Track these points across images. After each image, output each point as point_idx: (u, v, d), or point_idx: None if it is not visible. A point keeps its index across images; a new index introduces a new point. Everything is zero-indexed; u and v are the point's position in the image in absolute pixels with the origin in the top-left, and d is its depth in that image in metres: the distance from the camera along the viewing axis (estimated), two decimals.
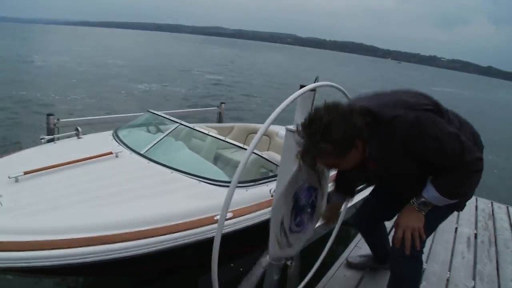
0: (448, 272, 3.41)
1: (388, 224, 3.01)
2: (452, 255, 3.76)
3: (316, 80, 2.14)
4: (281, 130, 5.41)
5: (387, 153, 1.90)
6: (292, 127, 2.12)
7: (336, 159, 1.84)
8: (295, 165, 2.08)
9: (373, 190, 2.82)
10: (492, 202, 5.52)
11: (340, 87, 2.24)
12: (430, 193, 1.97)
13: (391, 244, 2.27)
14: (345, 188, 2.66)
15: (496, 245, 4.17)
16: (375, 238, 3.04)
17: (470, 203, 5.30)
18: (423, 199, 2.01)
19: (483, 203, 5.43)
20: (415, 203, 2.04)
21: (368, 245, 3.15)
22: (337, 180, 2.67)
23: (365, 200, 2.94)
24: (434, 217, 2.19)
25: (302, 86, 2.00)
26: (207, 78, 25.82)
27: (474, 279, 3.38)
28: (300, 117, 2.15)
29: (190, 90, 19.54)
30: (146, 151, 3.91)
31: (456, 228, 4.38)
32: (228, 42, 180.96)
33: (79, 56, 31.49)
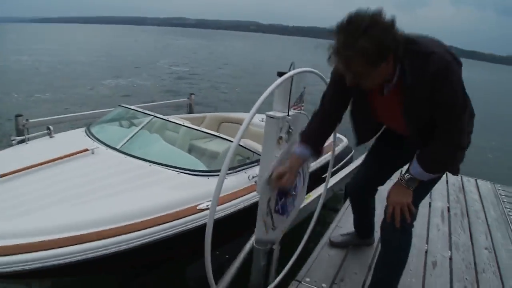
0: (426, 244, 3.53)
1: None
2: (428, 228, 3.88)
3: (291, 67, 2.18)
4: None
5: (415, 84, 1.86)
6: (272, 113, 2.16)
7: (366, 68, 1.75)
8: (277, 150, 2.12)
9: (366, 156, 2.87)
10: (461, 176, 5.71)
11: (318, 72, 2.29)
12: (415, 169, 2.06)
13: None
14: (315, 141, 2.34)
15: (468, 216, 4.34)
16: (364, 208, 3.08)
17: (442, 179, 5.46)
18: (410, 176, 2.09)
19: (453, 178, 5.60)
20: (403, 180, 2.12)
21: (356, 215, 3.20)
22: (310, 128, 2.38)
23: (359, 165, 3.01)
24: (423, 187, 2.26)
25: (280, 74, 2.03)
26: (172, 70, 25.61)
27: (450, 249, 3.52)
28: (279, 103, 2.20)
29: (156, 83, 19.36)
30: (122, 145, 3.88)
31: (430, 203, 4.52)
32: (192, 32, 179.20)
33: (40, 54, 30.71)
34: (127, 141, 3.95)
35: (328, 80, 2.26)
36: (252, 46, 76.30)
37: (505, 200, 5.03)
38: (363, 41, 1.63)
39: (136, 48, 46.49)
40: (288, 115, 2.17)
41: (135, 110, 4.67)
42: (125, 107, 4.81)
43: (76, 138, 4.19)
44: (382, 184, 2.78)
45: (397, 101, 1.98)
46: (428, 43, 1.86)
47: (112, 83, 18.59)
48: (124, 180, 3.29)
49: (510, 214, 4.56)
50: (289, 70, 2.13)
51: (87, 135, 4.22)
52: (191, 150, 4.40)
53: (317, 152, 2.36)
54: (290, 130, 2.21)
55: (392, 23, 1.70)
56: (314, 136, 2.33)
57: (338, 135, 6.22)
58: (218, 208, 3.22)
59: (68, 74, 20.65)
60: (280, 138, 2.12)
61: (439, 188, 5.06)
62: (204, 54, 41.66)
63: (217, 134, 4.12)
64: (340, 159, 5.73)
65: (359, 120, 2.29)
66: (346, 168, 5.21)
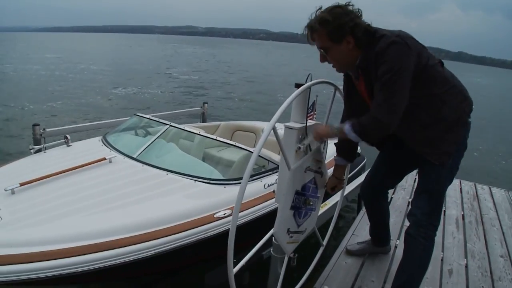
0: (442, 253, 3.54)
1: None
2: (443, 236, 3.89)
3: (308, 77, 2.21)
4: (265, 126, 5.47)
5: (366, 66, 2.14)
6: (290, 124, 2.19)
7: (328, 42, 2.14)
8: (296, 160, 2.16)
9: (376, 159, 2.97)
10: (475, 184, 5.70)
11: (334, 83, 2.32)
12: (347, 123, 2.15)
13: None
14: (345, 152, 2.75)
15: (483, 224, 4.33)
16: (378, 212, 3.13)
17: (455, 186, 5.47)
18: (340, 125, 2.25)
19: (467, 186, 5.61)
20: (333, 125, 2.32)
21: (371, 222, 3.24)
22: (339, 145, 2.75)
23: (368, 172, 3.08)
24: (437, 192, 2.43)
25: (298, 85, 2.07)
26: (182, 78, 25.71)
27: (466, 257, 3.52)
28: (297, 114, 2.23)
29: (167, 92, 19.48)
30: (139, 154, 3.93)
31: (444, 211, 4.52)
32: (201, 40, 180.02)
33: (51, 63, 31.01)
34: (144, 149, 4.01)
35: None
36: (261, 54, 76.41)
37: None
38: (325, 14, 2.08)
39: (145, 56, 46.77)
40: (306, 125, 2.20)
41: (151, 119, 4.72)
42: (140, 116, 4.87)
43: (93, 147, 4.27)
44: (392, 186, 2.87)
45: (364, 84, 2.23)
46: (385, 31, 2.10)
47: (122, 91, 18.74)
48: (142, 189, 3.34)
49: None
50: (306, 81, 2.17)
51: (104, 144, 4.29)
52: (205, 158, 4.44)
53: (351, 158, 2.77)
54: (307, 139, 2.24)
55: (356, 11, 2.11)
56: (342, 147, 2.72)
57: None
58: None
59: (79, 83, 20.84)
60: (299, 148, 2.15)
61: (453, 196, 5.07)
62: (214, 62, 41.79)
63: (232, 143, 4.16)
64: (353, 167, 5.75)
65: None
66: (359, 177, 5.23)
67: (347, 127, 2.12)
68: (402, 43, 2.00)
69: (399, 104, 2.00)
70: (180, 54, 54.53)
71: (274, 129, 1.77)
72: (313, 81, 2.13)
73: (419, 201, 2.46)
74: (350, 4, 2.11)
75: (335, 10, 2.08)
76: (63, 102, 14.87)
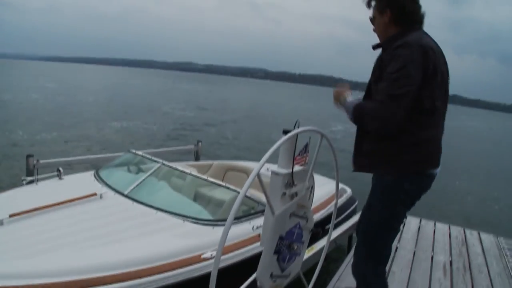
0: None
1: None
2: (430, 283, 3.89)
3: (296, 124, 2.27)
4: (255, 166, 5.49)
5: (384, 56, 2.37)
6: (276, 169, 2.24)
7: (375, 11, 2.47)
8: (281, 205, 2.19)
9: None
10: (464, 229, 5.73)
11: (322, 131, 2.38)
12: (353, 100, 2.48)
13: None
14: None
15: (470, 270, 4.35)
16: None
17: (443, 231, 5.51)
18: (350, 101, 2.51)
19: (456, 230, 5.64)
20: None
21: None
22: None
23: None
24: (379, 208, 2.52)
25: (285, 131, 2.12)
26: (178, 114, 25.92)
27: None
28: (283, 160, 2.28)
29: (163, 128, 19.60)
30: (130, 191, 3.97)
31: (432, 257, 4.54)
32: (199, 77, 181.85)
33: (50, 93, 31.25)
34: (135, 187, 4.04)
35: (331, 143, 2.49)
36: (259, 93, 77.08)
37: (508, 253, 5.02)
38: None
39: (143, 90, 47.13)
40: (292, 171, 2.24)
41: (144, 157, 4.76)
42: (134, 152, 4.92)
43: (85, 181, 4.31)
44: None
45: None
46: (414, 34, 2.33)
47: (118, 125, 18.84)
48: (131, 226, 3.37)
49: None
50: (294, 128, 2.22)
51: (96, 179, 4.33)
52: (196, 197, 4.46)
53: None
54: (293, 185, 2.28)
55: None
56: None
57: (342, 185, 6.29)
58: (222, 257, 3.26)
59: (76, 114, 21.00)
60: (284, 194, 2.20)
61: (441, 241, 5.10)
62: (211, 100, 42.09)
63: (222, 184, 4.21)
64: (344, 210, 5.77)
65: None
66: (350, 219, 5.26)
67: (349, 103, 2.44)
68: (417, 48, 2.24)
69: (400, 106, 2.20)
70: (177, 90, 55.01)
71: (258, 176, 1.82)
72: (300, 129, 2.18)
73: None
74: None
75: None
76: (58, 133, 14.94)
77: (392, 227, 2.57)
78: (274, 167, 2.25)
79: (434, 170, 2.44)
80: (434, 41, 2.40)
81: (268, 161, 1.82)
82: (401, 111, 2.18)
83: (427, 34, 2.42)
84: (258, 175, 1.81)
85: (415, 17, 2.42)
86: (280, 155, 2.29)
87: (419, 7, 2.43)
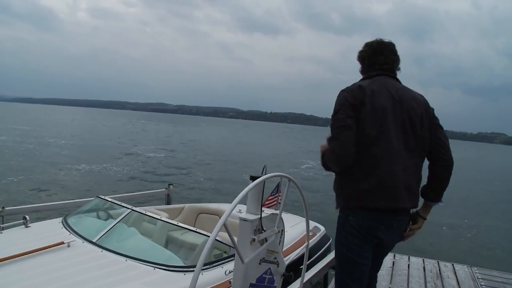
0: None
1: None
2: None
3: (264, 169, 2.29)
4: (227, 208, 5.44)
5: None
6: (244, 215, 2.24)
7: None
8: (250, 251, 2.18)
9: None
10: (438, 262, 5.76)
11: (289, 176, 2.40)
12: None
13: None
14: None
15: None
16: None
17: (418, 265, 5.55)
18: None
19: (430, 264, 5.68)
20: None
21: None
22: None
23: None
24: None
25: (252, 178, 2.14)
26: (149, 156, 25.79)
27: None
28: (252, 206, 2.29)
29: (133, 170, 19.43)
30: (99, 239, 3.87)
31: None
32: (172, 117, 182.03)
33: (19, 135, 30.79)
34: (103, 234, 3.95)
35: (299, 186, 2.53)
36: (231, 133, 77.39)
37: (482, 283, 5.08)
38: None
39: (114, 132, 46.83)
40: (260, 216, 2.24)
41: (113, 202, 4.69)
42: (103, 198, 4.84)
43: (52, 229, 4.18)
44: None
45: None
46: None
47: (87, 168, 18.60)
48: (100, 276, 3.27)
49: None
50: (262, 174, 2.24)
51: (64, 226, 4.22)
52: (168, 241, 4.39)
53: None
54: (263, 231, 2.27)
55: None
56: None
57: (315, 224, 6.30)
58: None
59: (45, 157, 20.69)
60: (253, 240, 2.19)
61: (416, 276, 5.13)
62: (182, 140, 42.01)
63: (193, 229, 4.14)
64: (318, 248, 5.75)
65: None
66: (325, 258, 5.24)
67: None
68: (344, 91, 2.70)
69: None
70: (148, 131, 54.84)
71: (225, 225, 1.81)
72: (267, 175, 2.19)
73: None
74: None
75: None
76: (25, 177, 14.64)
77: (355, 261, 2.63)
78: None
79: (390, 205, 2.53)
80: (391, 83, 2.70)
81: (242, 201, 1.82)
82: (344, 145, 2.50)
83: (389, 79, 2.71)
84: (225, 224, 1.80)
85: (376, 67, 2.76)
86: (248, 201, 2.29)
87: (384, 58, 2.73)
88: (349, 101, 2.54)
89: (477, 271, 5.54)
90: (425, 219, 2.78)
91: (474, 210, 16.35)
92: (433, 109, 2.79)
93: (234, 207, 1.82)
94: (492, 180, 26.66)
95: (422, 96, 2.77)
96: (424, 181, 2.74)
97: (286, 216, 6.07)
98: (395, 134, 2.54)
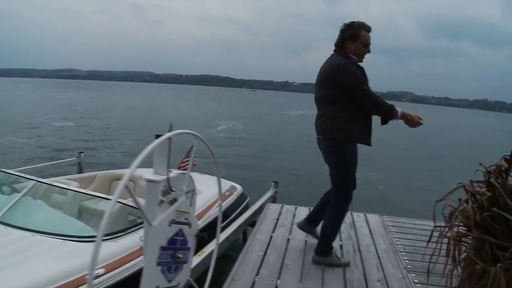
0: (322, 286, 3.62)
1: None
2: (323, 269, 3.97)
3: (170, 127, 2.17)
4: (144, 173, 5.28)
5: None
6: (150, 176, 2.12)
7: None
8: (159, 213, 2.09)
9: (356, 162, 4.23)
10: (351, 213, 5.93)
11: (195, 133, 2.30)
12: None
13: None
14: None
15: (360, 251, 4.52)
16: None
17: None
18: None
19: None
20: None
21: (317, 208, 4.51)
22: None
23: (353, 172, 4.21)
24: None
25: (157, 136, 2.01)
26: (56, 125, 24.47)
27: (345, 287, 3.63)
28: (158, 165, 2.18)
29: (41, 141, 18.35)
30: (2, 215, 3.61)
31: None
32: (83, 84, 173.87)
33: None
34: (7, 210, 3.68)
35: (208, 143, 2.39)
36: (145, 98, 74.94)
37: (392, 230, 5.33)
38: None
39: (19, 102, 43.97)
40: (168, 177, 2.14)
41: (17, 175, 4.38)
42: (5, 172, 4.50)
43: None
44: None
45: None
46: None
47: None
48: (5, 255, 3.05)
49: (398, 243, 4.83)
50: (168, 131, 2.12)
51: None
52: (81, 212, 4.19)
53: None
54: (171, 191, 2.18)
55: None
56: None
57: (232, 183, 6.29)
58: (109, 275, 3.10)
59: None
60: (162, 201, 2.09)
61: None
62: (93, 108, 40.24)
63: (104, 196, 3.98)
64: (236, 207, 5.77)
65: None
66: (243, 215, 5.26)
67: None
68: None
69: None
70: (56, 99, 52.08)
71: (127, 187, 1.69)
72: (171, 133, 2.09)
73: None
74: None
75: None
76: None
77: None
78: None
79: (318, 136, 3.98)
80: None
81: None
82: None
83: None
84: (127, 186, 1.69)
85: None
86: (155, 161, 2.18)
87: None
88: None
89: (387, 219, 5.80)
90: None
91: (383, 164, 17.18)
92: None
93: (135, 167, 1.70)
94: (400, 137, 27.90)
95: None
96: None
97: (203, 178, 6.06)
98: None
